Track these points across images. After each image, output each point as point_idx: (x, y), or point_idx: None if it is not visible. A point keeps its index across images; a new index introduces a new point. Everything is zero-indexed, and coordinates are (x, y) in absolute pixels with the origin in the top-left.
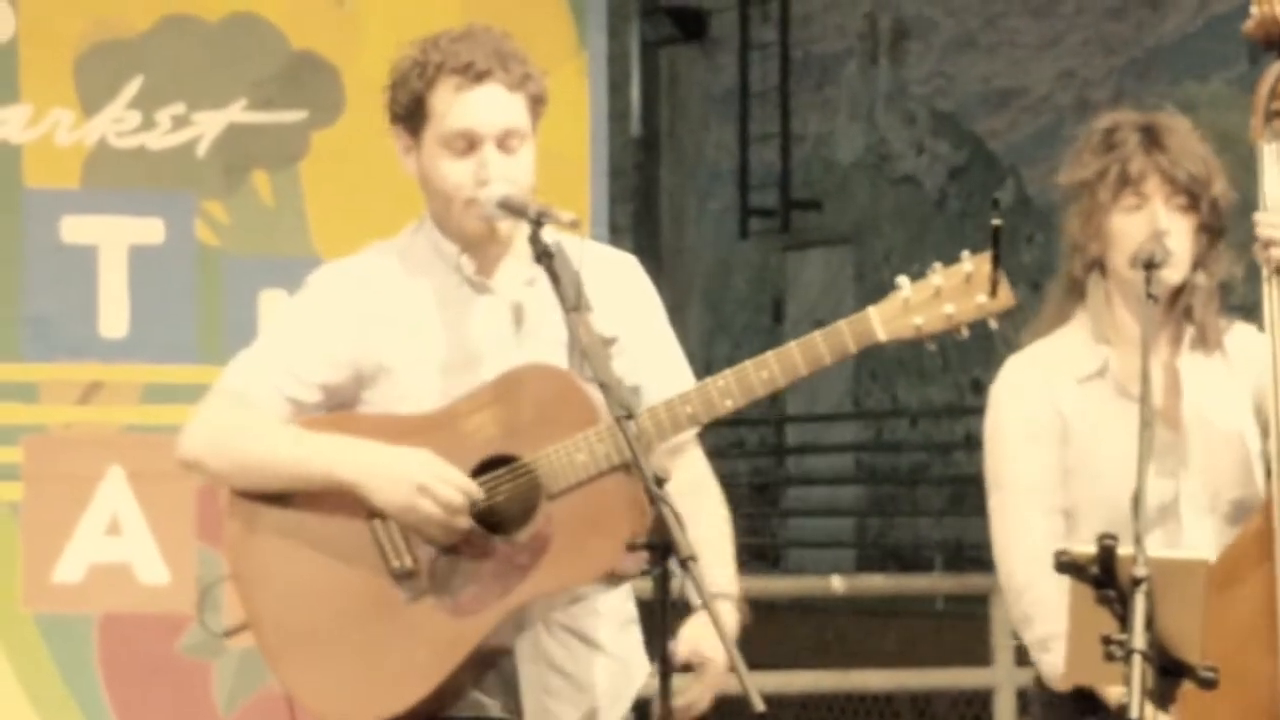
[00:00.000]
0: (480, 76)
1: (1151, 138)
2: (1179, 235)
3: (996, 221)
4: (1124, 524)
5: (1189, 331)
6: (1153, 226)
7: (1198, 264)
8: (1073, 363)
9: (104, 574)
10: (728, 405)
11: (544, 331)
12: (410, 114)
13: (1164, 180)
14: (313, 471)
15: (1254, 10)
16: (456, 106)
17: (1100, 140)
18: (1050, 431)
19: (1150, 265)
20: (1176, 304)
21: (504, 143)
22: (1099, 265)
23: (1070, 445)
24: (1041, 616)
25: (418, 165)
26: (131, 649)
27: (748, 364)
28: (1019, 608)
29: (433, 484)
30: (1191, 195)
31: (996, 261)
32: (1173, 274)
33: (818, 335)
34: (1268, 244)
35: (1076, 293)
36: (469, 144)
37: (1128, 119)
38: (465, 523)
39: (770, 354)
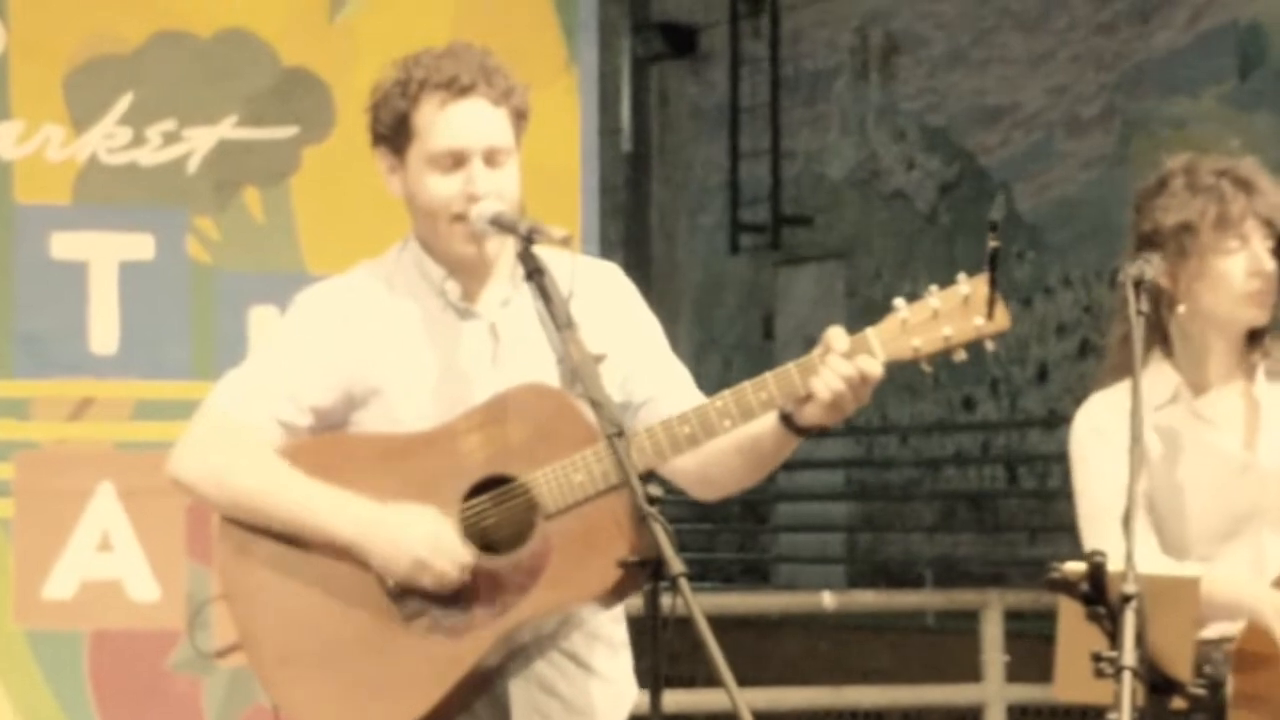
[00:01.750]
0: (464, 91)
1: (1242, 180)
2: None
3: (994, 243)
4: (1195, 540)
5: (1263, 362)
6: (1256, 267)
7: None
8: (1149, 394)
9: (95, 590)
10: (726, 426)
11: (520, 352)
12: (394, 133)
13: (1261, 222)
14: (311, 526)
15: None
16: (441, 122)
17: (1185, 183)
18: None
19: (1139, 283)
20: (1253, 338)
21: (490, 158)
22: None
23: (1149, 468)
24: None
25: (403, 185)
26: (122, 665)
27: (746, 385)
28: None
29: (431, 559)
30: (1278, 238)
31: (994, 284)
32: (1269, 312)
33: (816, 355)
34: None
35: (1154, 334)
36: (455, 160)
37: (1201, 161)
38: (459, 585)
39: (769, 375)
